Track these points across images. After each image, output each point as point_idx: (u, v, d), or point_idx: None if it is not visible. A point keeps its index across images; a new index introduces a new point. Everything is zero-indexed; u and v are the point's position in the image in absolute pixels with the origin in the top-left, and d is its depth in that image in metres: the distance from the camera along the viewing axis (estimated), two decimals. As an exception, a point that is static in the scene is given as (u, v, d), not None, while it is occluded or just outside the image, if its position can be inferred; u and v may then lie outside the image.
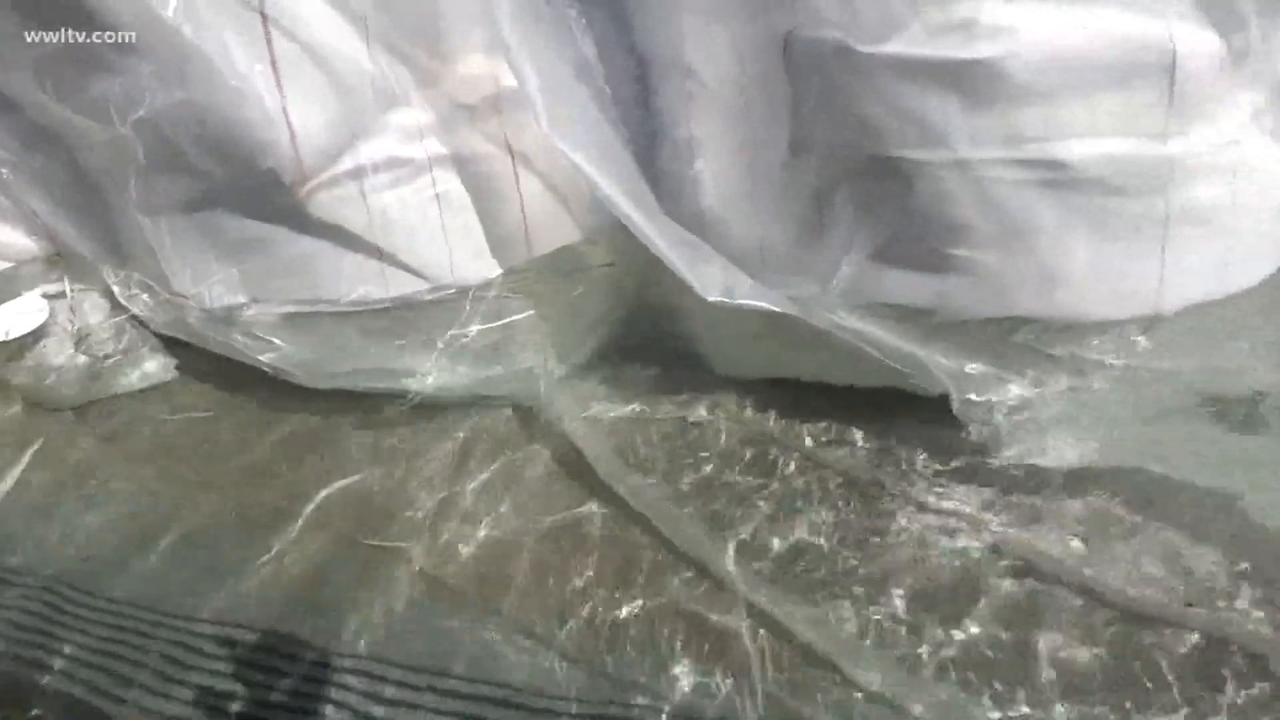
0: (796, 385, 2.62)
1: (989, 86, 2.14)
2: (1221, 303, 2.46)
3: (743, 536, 2.25)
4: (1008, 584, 2.14)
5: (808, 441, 2.51)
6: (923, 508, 2.32)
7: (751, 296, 2.38)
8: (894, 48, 2.13)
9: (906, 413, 2.50)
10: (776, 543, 2.24)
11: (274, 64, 2.39)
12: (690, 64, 2.41)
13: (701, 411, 2.59)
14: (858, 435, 2.50)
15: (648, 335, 2.70)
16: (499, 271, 2.65)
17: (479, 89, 2.49)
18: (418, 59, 2.49)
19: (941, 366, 2.39)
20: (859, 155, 2.28)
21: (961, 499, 2.33)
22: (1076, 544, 2.19)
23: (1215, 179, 2.30)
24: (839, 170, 2.31)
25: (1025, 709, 1.87)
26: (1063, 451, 2.39)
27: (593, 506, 2.38)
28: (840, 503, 2.34)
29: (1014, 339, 2.38)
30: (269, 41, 2.39)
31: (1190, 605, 2.08)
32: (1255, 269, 2.46)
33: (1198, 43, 2.18)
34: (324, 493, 2.49)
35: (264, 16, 2.36)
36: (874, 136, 2.23)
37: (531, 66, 2.33)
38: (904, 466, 2.43)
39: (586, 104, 2.44)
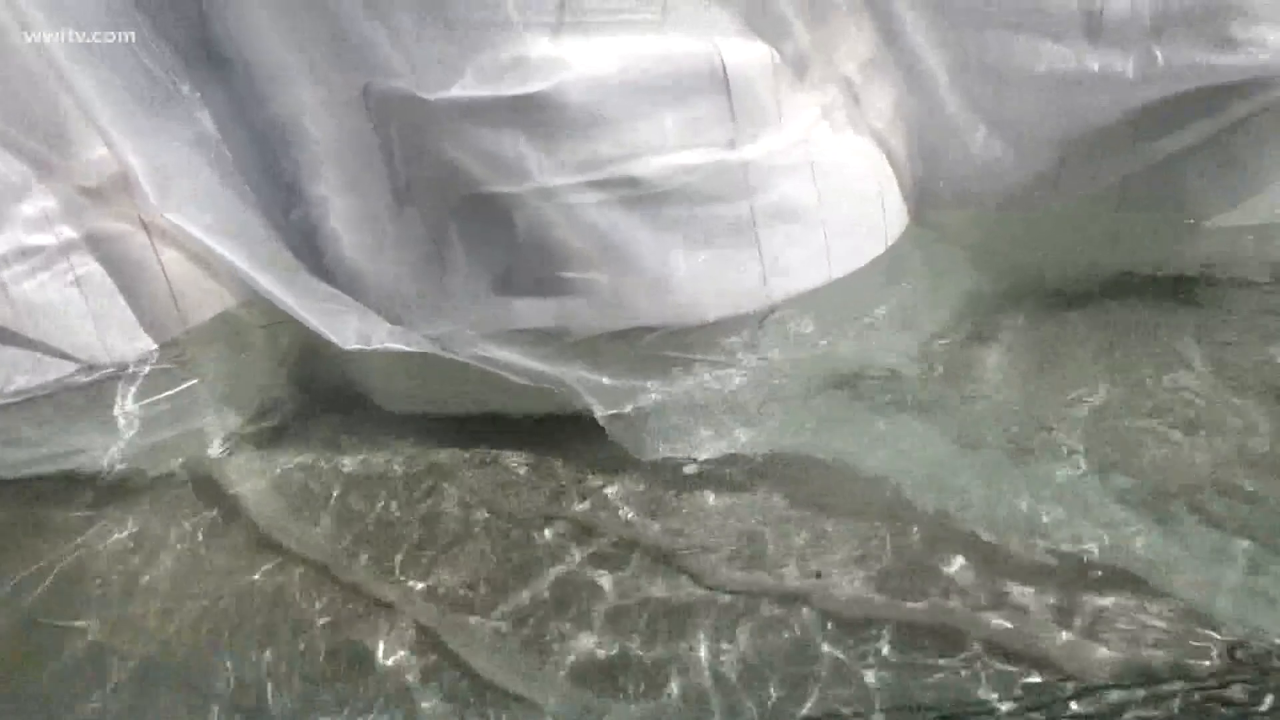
0: (467, 418, 2.70)
1: (552, 118, 2.26)
2: (835, 287, 2.62)
3: (413, 571, 2.33)
4: (657, 587, 2.24)
5: (471, 472, 2.59)
6: (574, 521, 2.41)
7: (390, 341, 2.47)
8: (457, 92, 2.25)
9: (567, 432, 2.60)
10: (442, 572, 2.32)
11: (-116, 170, 2.43)
12: (307, 127, 2.50)
13: (375, 454, 2.66)
14: (518, 459, 2.59)
15: (318, 387, 2.77)
16: (155, 346, 2.70)
17: (104, 171, 2.54)
18: (37, 150, 2.52)
19: (582, 383, 2.49)
20: (457, 195, 2.38)
21: (612, 508, 2.43)
22: (732, 536, 2.31)
23: (795, 177, 2.46)
24: (444, 211, 2.41)
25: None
26: (709, 446, 2.51)
27: (269, 563, 2.43)
28: (502, 525, 2.43)
29: (642, 348, 2.50)
30: (-125, 149, 2.42)
31: (822, 581, 2.20)
32: (860, 252, 2.62)
33: (746, 55, 2.34)
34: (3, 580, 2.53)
35: None
36: (464, 177, 2.34)
37: (134, 148, 2.40)
38: (560, 482, 2.53)
39: (208, 177, 2.51)
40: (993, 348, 2.71)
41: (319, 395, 2.76)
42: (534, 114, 2.25)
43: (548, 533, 2.38)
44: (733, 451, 2.50)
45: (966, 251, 2.79)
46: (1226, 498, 2.32)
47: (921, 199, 2.74)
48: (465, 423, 2.67)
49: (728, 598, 2.17)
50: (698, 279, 2.44)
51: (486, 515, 2.45)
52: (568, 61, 2.23)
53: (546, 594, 2.22)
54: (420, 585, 2.28)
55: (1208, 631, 1.96)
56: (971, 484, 2.39)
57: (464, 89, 2.24)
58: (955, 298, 2.77)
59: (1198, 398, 2.57)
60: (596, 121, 2.27)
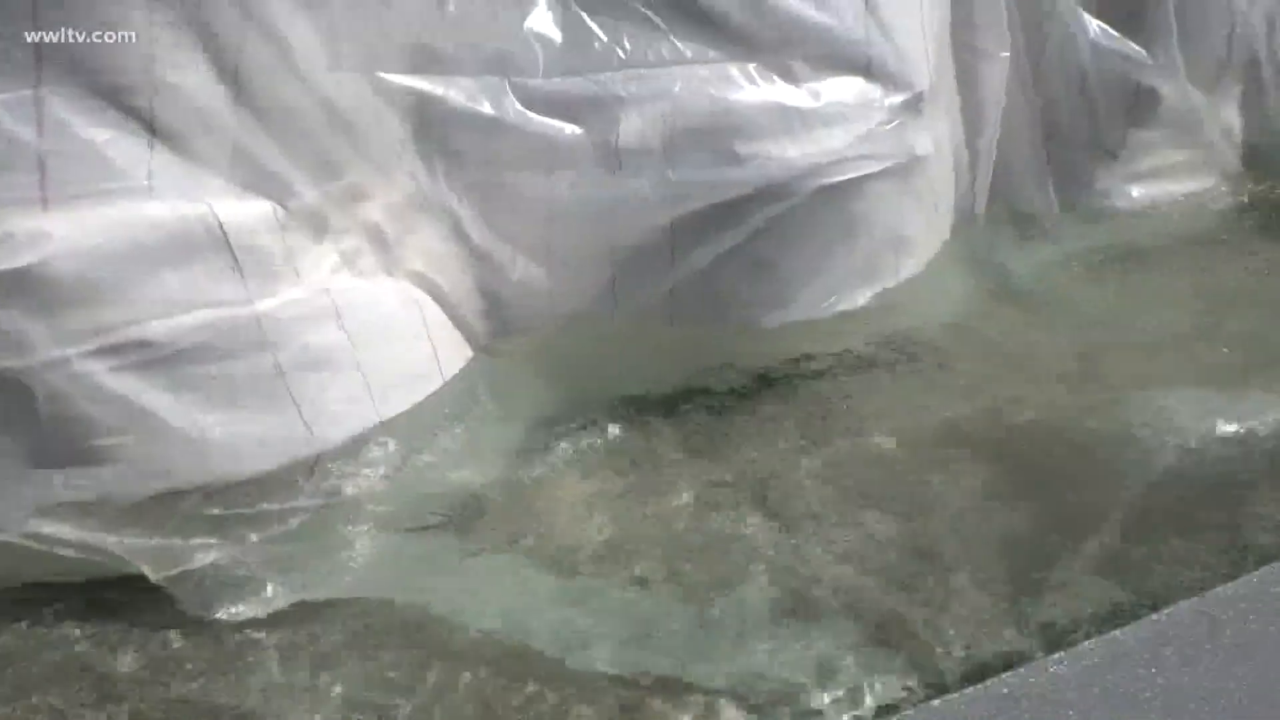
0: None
1: (46, 290, 2.26)
2: (396, 423, 2.66)
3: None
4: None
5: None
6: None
7: None
8: (-60, 274, 2.26)
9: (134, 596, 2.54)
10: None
11: None
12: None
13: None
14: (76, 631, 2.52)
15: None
16: None
17: None
18: None
19: (132, 549, 2.45)
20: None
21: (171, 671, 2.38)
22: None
23: (319, 325, 2.52)
24: (-40, 393, 2.39)
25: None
26: (273, 599, 2.48)
27: None
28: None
29: (186, 508, 2.47)
30: None
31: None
32: (411, 390, 2.69)
33: (245, 212, 2.42)
34: None
35: None
36: (-34, 355, 2.33)
37: None
38: (136, 652, 2.46)
39: None
40: (572, 467, 2.78)
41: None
42: (26, 288, 2.25)
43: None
44: (298, 601, 2.47)
45: (538, 376, 2.88)
46: (837, 595, 2.39)
47: (484, 329, 2.84)
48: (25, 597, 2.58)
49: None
50: (231, 435, 2.45)
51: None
52: (52, 234, 2.25)
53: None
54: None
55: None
56: (569, 617, 2.39)
57: (-53, 270, 2.25)
58: (530, 422, 2.85)
59: (782, 496, 2.66)
60: (92, 290, 2.29)
